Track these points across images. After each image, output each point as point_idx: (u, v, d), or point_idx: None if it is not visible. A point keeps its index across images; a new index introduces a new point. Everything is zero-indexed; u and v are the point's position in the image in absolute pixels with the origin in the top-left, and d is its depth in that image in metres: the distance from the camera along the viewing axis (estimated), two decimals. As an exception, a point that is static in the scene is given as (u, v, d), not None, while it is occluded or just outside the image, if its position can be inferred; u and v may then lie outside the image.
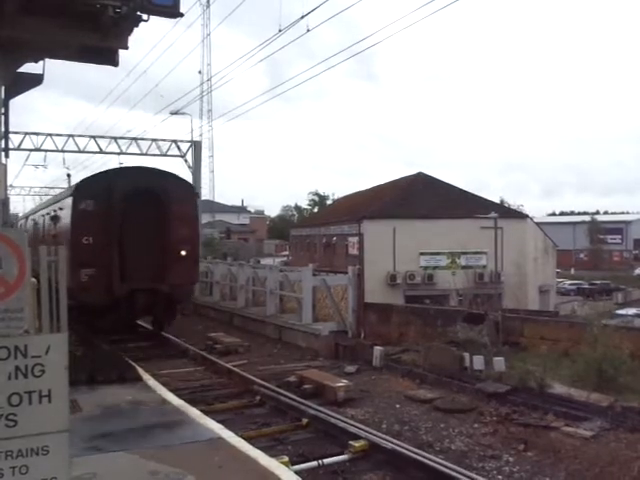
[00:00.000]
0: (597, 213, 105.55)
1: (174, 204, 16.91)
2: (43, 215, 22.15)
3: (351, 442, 9.11)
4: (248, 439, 7.36)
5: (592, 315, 15.81)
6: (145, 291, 16.44)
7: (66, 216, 16.96)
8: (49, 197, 26.35)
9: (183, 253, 16.96)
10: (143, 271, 16.39)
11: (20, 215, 39.91)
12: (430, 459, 8.62)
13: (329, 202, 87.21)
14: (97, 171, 20.62)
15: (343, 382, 12.80)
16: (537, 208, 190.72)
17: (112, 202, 16.15)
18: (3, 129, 10.67)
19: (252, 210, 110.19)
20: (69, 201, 16.78)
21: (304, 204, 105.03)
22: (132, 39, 9.12)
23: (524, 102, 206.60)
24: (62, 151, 32.50)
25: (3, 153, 11.24)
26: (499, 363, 14.11)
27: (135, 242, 16.29)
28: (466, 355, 14.70)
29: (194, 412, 7.98)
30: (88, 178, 17.97)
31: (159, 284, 16.52)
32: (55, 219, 18.53)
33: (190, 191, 18.46)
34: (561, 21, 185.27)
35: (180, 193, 17.44)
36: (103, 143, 32.85)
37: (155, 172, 17.81)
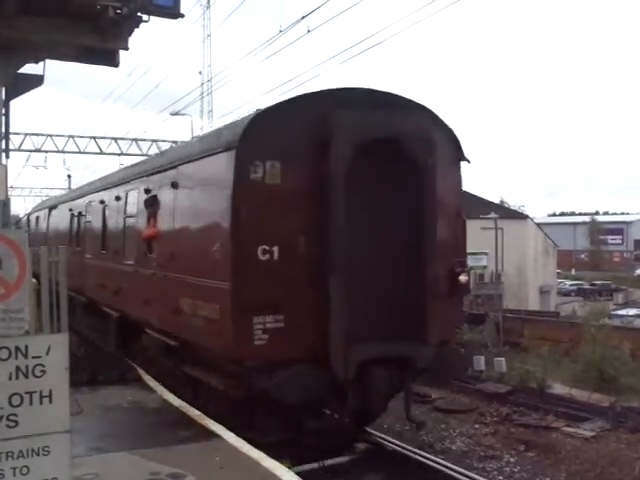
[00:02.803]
0: (597, 213, 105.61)
1: (442, 176, 8.20)
2: (102, 201, 12.76)
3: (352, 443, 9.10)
4: (248, 440, 7.34)
5: (589, 315, 15.83)
6: (391, 363, 7.69)
7: (204, 197, 8.23)
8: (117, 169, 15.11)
9: (463, 279, 8.82)
10: (385, 320, 7.69)
11: (29, 209, 33.01)
12: (431, 459, 8.63)
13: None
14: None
15: (344, 383, 12.77)
16: (541, 207, 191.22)
17: (330, 166, 7.41)
18: (4, 130, 10.66)
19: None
20: (218, 162, 7.69)
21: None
22: (132, 39, 9.15)
23: (530, 100, 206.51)
24: (62, 152, 32.53)
25: (4, 154, 11.21)
26: (500, 363, 14.13)
27: (368, 256, 7.82)
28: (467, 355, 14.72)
29: (194, 412, 7.96)
30: (269, 110, 7.80)
31: (417, 346, 7.78)
32: (152, 204, 9.69)
33: (458, 149, 9.00)
34: (572, 15, 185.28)
35: (448, 154, 8.67)
36: (103, 144, 32.83)
37: (405, 105, 8.29)
